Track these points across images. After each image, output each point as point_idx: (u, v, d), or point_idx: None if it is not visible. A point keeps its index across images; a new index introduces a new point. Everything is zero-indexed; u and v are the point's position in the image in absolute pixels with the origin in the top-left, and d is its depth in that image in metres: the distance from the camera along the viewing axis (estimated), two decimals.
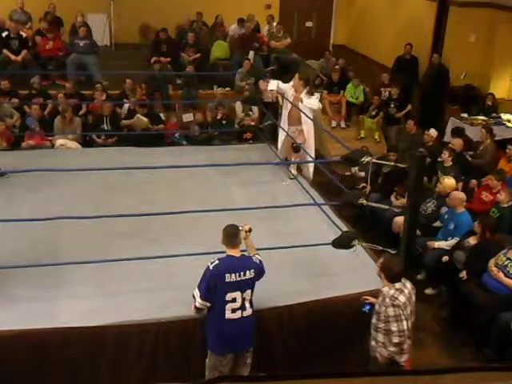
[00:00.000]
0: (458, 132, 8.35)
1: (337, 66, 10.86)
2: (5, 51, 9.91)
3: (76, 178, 5.70)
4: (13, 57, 9.91)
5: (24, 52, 9.99)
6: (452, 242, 5.97)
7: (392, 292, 3.91)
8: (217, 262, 3.89)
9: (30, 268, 4.49)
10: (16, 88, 9.14)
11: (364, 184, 7.35)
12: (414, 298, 4.03)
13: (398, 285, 3.95)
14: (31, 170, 5.14)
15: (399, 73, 10.51)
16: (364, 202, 4.67)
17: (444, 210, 6.38)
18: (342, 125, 10.20)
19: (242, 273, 3.89)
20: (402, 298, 3.91)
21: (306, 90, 6.52)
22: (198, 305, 3.92)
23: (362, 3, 13.57)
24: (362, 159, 4.64)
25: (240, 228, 4.02)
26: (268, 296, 4.37)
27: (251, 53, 10.87)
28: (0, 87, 8.81)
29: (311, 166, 6.72)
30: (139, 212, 5.15)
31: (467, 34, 10.09)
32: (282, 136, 6.81)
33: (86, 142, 8.51)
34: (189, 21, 11.93)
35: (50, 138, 8.31)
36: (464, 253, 5.71)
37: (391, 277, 3.97)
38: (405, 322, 3.90)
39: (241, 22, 11.78)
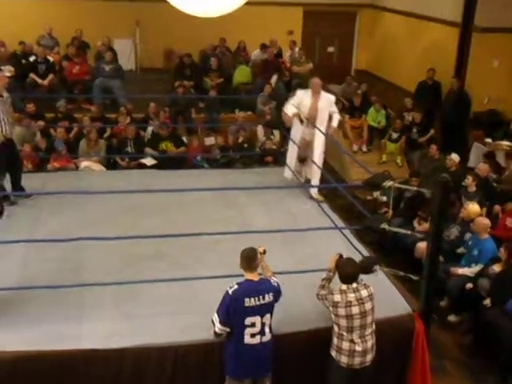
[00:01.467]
0: (489, 157, 8.30)
1: (359, 91, 10.90)
2: (32, 75, 10.18)
3: (100, 199, 5.77)
4: (39, 81, 10.17)
5: (51, 76, 10.25)
6: (476, 268, 5.88)
7: (334, 291, 4.01)
8: (236, 286, 3.88)
9: (53, 289, 4.53)
10: (42, 111, 9.35)
11: (386, 209, 7.30)
12: (369, 303, 4.02)
13: (344, 286, 4.01)
14: (56, 192, 5.22)
15: (422, 97, 10.49)
16: (386, 226, 4.64)
17: (468, 236, 6.29)
18: (364, 149, 10.19)
19: (260, 297, 3.86)
20: (336, 297, 3.96)
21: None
22: (217, 330, 3.90)
23: (383, 29, 13.65)
24: (384, 183, 4.62)
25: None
26: (288, 320, 4.33)
27: (274, 77, 10.98)
28: (26, 110, 9.02)
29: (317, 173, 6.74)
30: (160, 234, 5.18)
31: (490, 60, 10.06)
32: (292, 149, 6.90)
33: (110, 165, 8.64)
34: (212, 46, 12.14)
35: (74, 161, 8.46)
36: (488, 280, 5.62)
37: (341, 277, 4.06)
38: (341, 321, 3.96)
39: (263, 47, 11.94)
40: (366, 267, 4.43)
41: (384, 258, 5.55)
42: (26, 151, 8.07)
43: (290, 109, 6.73)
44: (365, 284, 4.10)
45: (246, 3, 5.92)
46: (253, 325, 3.86)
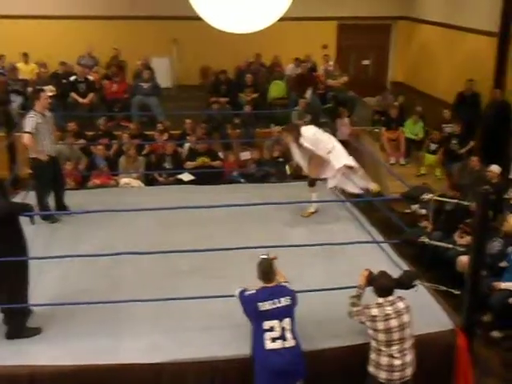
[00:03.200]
0: None
1: (396, 103, 10.82)
2: (73, 94, 10.48)
3: (139, 215, 5.86)
4: (80, 99, 10.45)
5: (91, 95, 10.53)
6: None
7: (371, 306, 3.96)
8: (252, 291, 3.96)
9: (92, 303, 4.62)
10: (83, 129, 9.60)
11: (426, 222, 7.19)
12: (406, 315, 3.95)
13: (380, 300, 3.96)
14: (96, 211, 5.32)
15: (460, 109, 10.33)
16: (426, 240, 4.56)
17: (511, 249, 6.14)
18: (402, 162, 10.07)
19: (276, 300, 3.88)
20: (374, 311, 3.91)
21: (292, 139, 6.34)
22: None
23: (419, 40, 13.54)
24: (423, 196, 4.55)
25: (265, 256, 4.05)
26: (325, 337, 4.29)
27: (309, 91, 11.01)
28: (68, 129, 9.28)
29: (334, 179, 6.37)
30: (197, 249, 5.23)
31: None
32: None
33: (149, 181, 8.78)
34: (247, 62, 12.27)
35: (114, 177, 8.63)
36: None
37: (377, 290, 4.01)
38: (380, 335, 3.90)
39: (297, 61, 12.00)
40: (406, 282, 4.36)
41: (424, 273, 5.45)
42: (68, 169, 8.28)
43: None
44: (400, 297, 4.04)
45: (280, 19, 5.97)
46: (272, 329, 3.85)
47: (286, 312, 3.90)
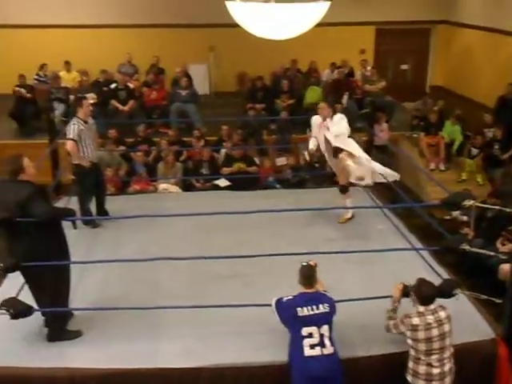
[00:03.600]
0: None
1: (435, 108, 10.65)
2: (113, 102, 10.69)
3: (177, 220, 5.92)
4: (120, 107, 10.66)
5: (131, 102, 10.72)
6: None
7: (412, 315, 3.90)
8: (290, 297, 3.95)
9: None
10: (123, 136, 9.78)
11: (467, 229, 7.04)
12: (447, 325, 3.89)
13: (421, 308, 3.90)
14: (136, 216, 5.42)
15: (502, 113, 10.10)
16: (467, 247, 4.46)
17: None
18: (441, 167, 9.89)
19: (314, 306, 3.87)
20: (415, 320, 3.84)
21: (331, 114, 6.33)
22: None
23: (459, 44, 13.32)
24: (464, 203, 4.46)
25: (305, 263, 4.05)
26: (363, 344, 4.25)
27: (345, 96, 10.96)
28: (109, 136, 9.47)
29: (371, 173, 6.25)
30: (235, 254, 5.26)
31: None
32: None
33: (186, 186, 8.88)
34: (283, 68, 12.29)
35: (153, 183, 8.77)
36: None
37: (419, 298, 3.93)
38: (420, 344, 3.84)
39: (333, 66, 11.96)
40: (446, 290, 4.28)
41: (464, 281, 5.33)
42: (109, 175, 8.45)
43: (312, 143, 6.54)
44: (441, 305, 3.97)
45: (318, 24, 5.96)
46: (310, 335, 3.84)
47: (324, 319, 3.89)
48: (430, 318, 3.85)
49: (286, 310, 3.93)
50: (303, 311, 3.85)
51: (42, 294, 4.31)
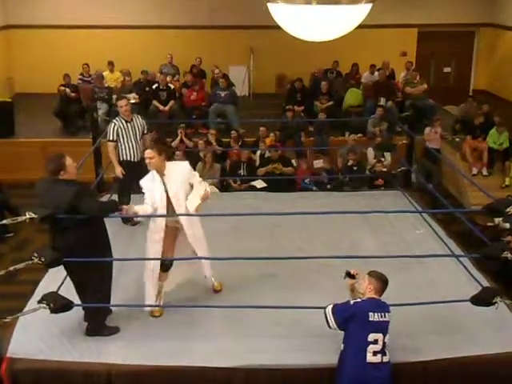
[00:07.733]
0: None
1: (480, 111, 10.41)
2: (154, 102, 10.85)
3: (214, 220, 5.93)
4: (161, 107, 10.80)
5: (171, 102, 10.85)
6: None
7: None
8: (359, 300, 3.88)
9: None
10: (163, 137, 9.90)
11: (509, 236, 6.86)
12: None
13: None
14: (174, 214, 5.46)
15: None
16: (509, 255, 4.35)
17: None
18: (484, 172, 9.64)
19: (382, 314, 3.81)
20: None
21: None
22: (331, 326, 3.88)
23: (505, 46, 13.00)
24: (508, 209, 4.34)
25: (348, 272, 4.06)
26: (400, 351, 4.18)
27: (382, 99, 10.84)
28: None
29: None
30: (269, 256, 5.26)
31: None
32: None
33: (224, 187, 8.92)
34: (322, 69, 12.25)
35: None
36: None
37: None
38: None
39: (372, 68, 11.84)
40: (486, 298, 4.18)
41: (505, 290, 5.18)
42: None
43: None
44: None
45: (359, 26, 5.90)
46: (375, 342, 3.77)
47: (387, 328, 3.84)
48: None
49: (355, 313, 3.81)
50: (374, 316, 3.78)
51: (84, 288, 4.37)
